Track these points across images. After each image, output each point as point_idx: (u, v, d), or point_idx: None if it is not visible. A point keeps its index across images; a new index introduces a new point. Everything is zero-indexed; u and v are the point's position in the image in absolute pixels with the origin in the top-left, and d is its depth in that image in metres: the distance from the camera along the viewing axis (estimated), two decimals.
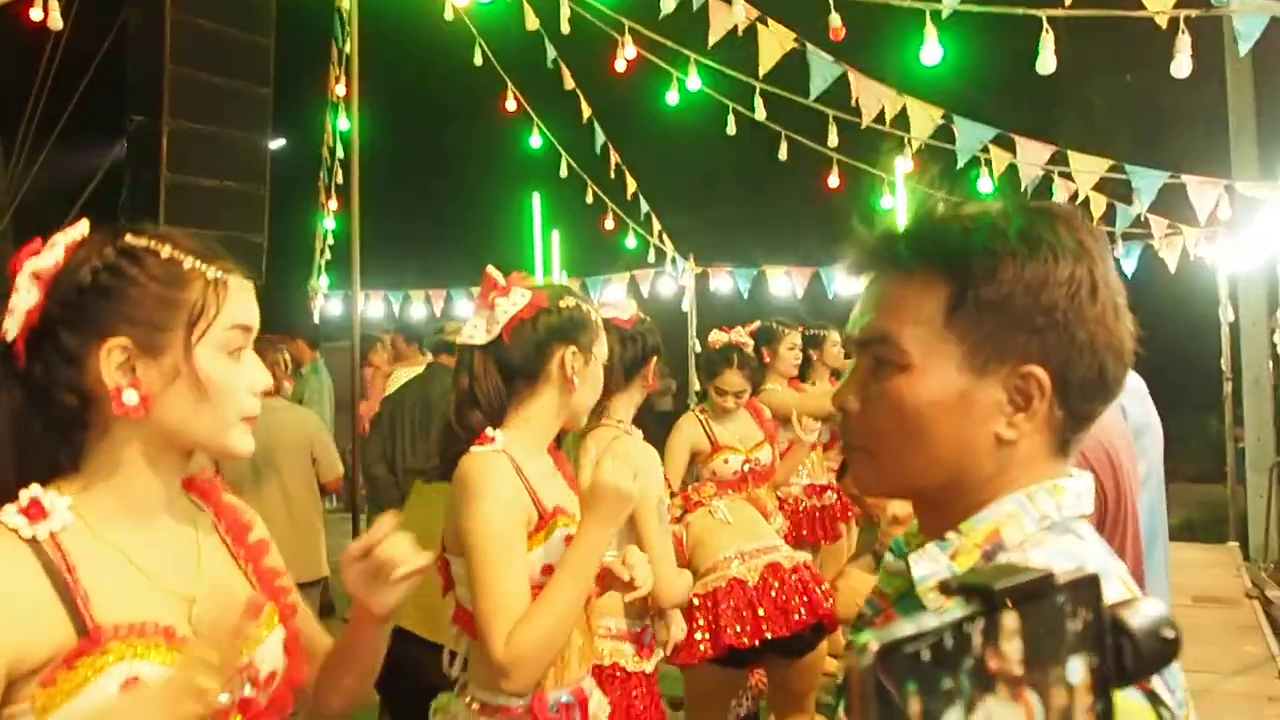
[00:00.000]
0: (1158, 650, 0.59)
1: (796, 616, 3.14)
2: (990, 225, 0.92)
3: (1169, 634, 0.60)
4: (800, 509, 5.03)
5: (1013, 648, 0.53)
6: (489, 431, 1.91)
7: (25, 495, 1.12)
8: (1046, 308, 0.89)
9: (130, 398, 1.13)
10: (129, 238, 1.19)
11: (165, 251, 1.18)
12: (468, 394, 1.95)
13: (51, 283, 1.14)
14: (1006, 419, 0.91)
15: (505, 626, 1.74)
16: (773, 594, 3.16)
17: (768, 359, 4.91)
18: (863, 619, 1.05)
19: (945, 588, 0.55)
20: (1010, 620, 0.52)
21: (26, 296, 1.12)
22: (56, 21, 5.03)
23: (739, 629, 3.10)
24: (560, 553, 1.88)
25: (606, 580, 1.98)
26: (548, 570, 1.87)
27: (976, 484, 0.93)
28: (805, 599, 3.17)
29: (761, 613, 3.12)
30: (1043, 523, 0.90)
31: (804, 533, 5.02)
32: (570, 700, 1.93)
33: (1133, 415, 2.87)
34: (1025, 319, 0.89)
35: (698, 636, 3.15)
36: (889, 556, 1.04)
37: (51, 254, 1.15)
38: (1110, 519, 1.70)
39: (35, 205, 11.85)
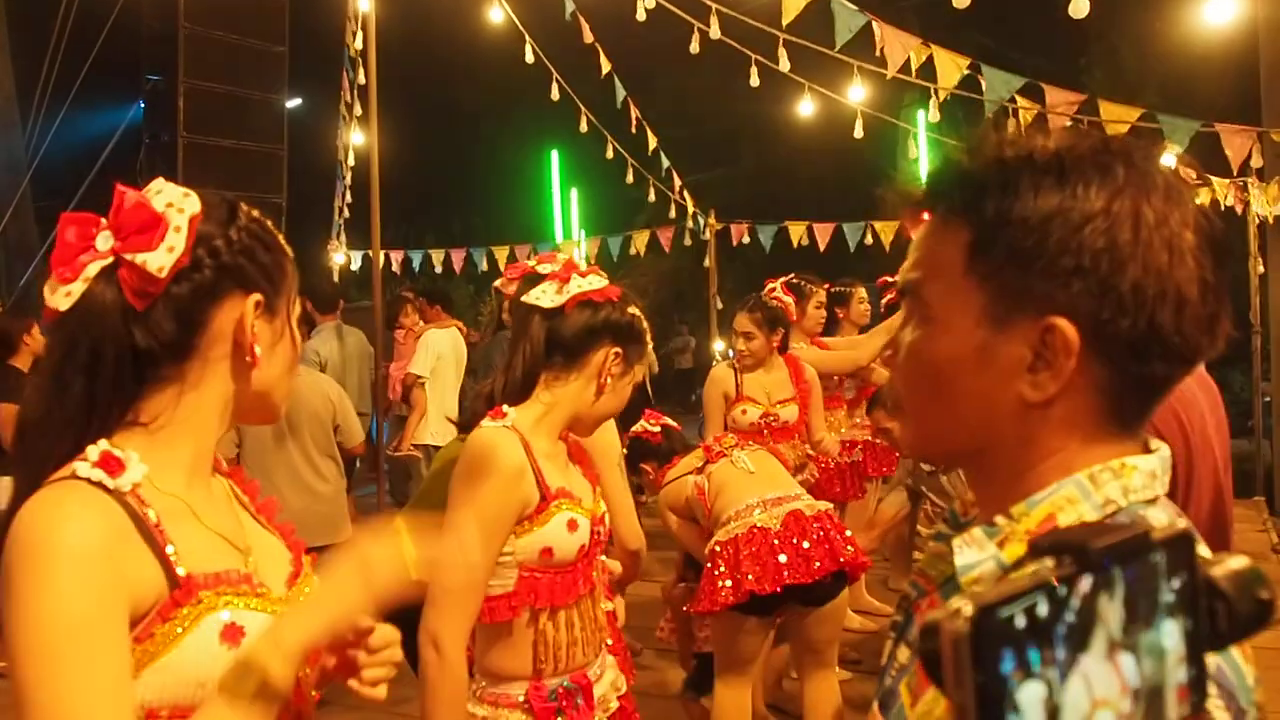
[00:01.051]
0: (1253, 613, 0.56)
1: (818, 564, 3.13)
2: (1015, 156, 0.82)
3: (1265, 595, 0.57)
4: (830, 464, 5.03)
5: (1108, 609, 0.50)
6: (504, 407, 1.91)
7: (94, 450, 1.09)
8: (1073, 248, 0.77)
9: (259, 351, 1.18)
10: (244, 206, 1.23)
11: (269, 222, 1.25)
12: (520, 354, 1.95)
13: (199, 228, 1.15)
14: (1031, 378, 0.80)
15: (451, 600, 1.75)
16: (794, 541, 3.16)
17: (794, 316, 4.88)
18: (906, 600, 0.98)
19: (1036, 548, 0.52)
20: (1106, 581, 0.50)
21: (180, 238, 1.13)
22: None
23: (759, 575, 3.10)
24: (562, 537, 1.87)
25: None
26: (547, 553, 1.86)
27: (1012, 452, 0.83)
28: (827, 547, 3.16)
29: (783, 559, 3.10)
30: (1106, 509, 0.79)
31: (835, 488, 5.04)
32: (571, 686, 1.91)
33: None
34: (1049, 262, 0.78)
35: (720, 584, 3.16)
36: (940, 532, 0.96)
37: (192, 201, 1.16)
38: (1182, 486, 1.61)
39: (54, 166, 11.87)
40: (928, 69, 5.93)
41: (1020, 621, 0.46)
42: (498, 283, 2.98)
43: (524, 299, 1.98)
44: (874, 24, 5.53)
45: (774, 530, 3.17)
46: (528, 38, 7.36)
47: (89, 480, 1.07)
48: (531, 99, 9.24)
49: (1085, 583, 0.49)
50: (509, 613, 1.84)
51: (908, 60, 5.85)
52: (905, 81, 6.17)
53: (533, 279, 2.00)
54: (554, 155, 12.55)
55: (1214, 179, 7.50)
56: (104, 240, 1.13)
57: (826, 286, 5.24)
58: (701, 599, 3.21)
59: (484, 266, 10.94)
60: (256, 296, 1.18)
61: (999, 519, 0.82)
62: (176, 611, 1.08)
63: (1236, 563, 0.57)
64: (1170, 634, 0.53)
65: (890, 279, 5.26)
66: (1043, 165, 0.80)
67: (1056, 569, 0.49)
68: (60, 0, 10.06)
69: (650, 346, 2.12)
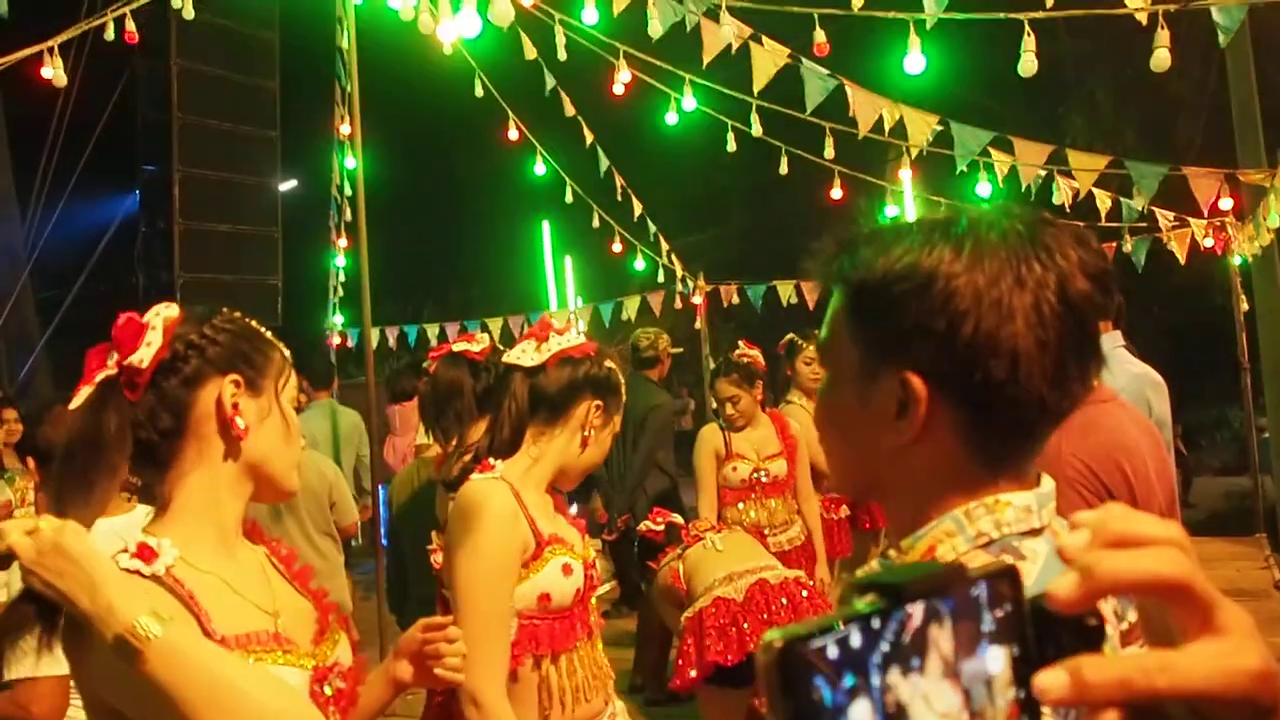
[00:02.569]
0: (1080, 637, 0.61)
1: None
2: (876, 228, 0.93)
3: (1092, 621, 0.63)
4: (832, 519, 5.07)
5: (939, 636, 0.55)
6: (491, 460, 1.96)
7: (132, 541, 1.27)
8: (915, 310, 0.87)
9: (240, 423, 1.33)
10: (225, 310, 1.42)
11: (252, 322, 1.43)
12: (506, 411, 2.02)
13: (175, 329, 1.33)
14: (896, 425, 0.90)
15: (487, 655, 1.79)
16: (758, 610, 3.19)
17: (789, 372, 4.97)
18: None
19: (858, 586, 0.57)
20: (917, 613, 0.55)
21: (156, 335, 1.31)
22: (61, 78, 5.14)
23: (724, 647, 3.12)
24: (557, 582, 1.91)
25: None
26: (545, 599, 1.90)
27: (899, 489, 0.93)
28: (793, 615, 3.18)
29: (746, 626, 3.14)
30: (978, 540, 0.88)
31: (864, 522, 5.12)
32: None
33: (1157, 411, 2.86)
34: (898, 322, 0.88)
35: (688, 658, 3.19)
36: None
37: (171, 309, 1.36)
38: None
39: (53, 257, 12.06)
40: (900, 126, 6.06)
41: (832, 652, 0.51)
42: (425, 362, 3.08)
43: (505, 359, 2.07)
44: (845, 86, 5.67)
45: (737, 601, 3.21)
46: (511, 114, 7.54)
47: (128, 570, 1.24)
48: (520, 171, 9.41)
49: (917, 613, 0.55)
50: (512, 662, 1.88)
51: (880, 118, 5.99)
52: (886, 140, 6.30)
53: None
54: (545, 225, 12.71)
55: (1191, 220, 7.62)
56: (111, 358, 1.33)
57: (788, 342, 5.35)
58: (675, 675, 3.26)
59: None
60: (234, 376, 1.35)
61: (892, 551, 0.93)
62: None
63: None
64: (995, 659, 0.58)
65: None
66: (893, 236, 0.91)
67: (871, 603, 0.54)
68: (57, 94, 10.31)
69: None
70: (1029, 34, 3.88)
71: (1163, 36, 3.58)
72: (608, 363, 2.07)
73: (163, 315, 1.34)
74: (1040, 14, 3.79)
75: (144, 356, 1.30)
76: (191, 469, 1.33)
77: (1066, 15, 3.77)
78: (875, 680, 0.53)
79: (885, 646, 0.54)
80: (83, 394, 1.32)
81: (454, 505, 1.94)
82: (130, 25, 5.33)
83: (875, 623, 0.54)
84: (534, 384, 2.02)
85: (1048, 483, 0.94)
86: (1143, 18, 3.64)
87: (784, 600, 3.19)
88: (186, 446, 1.33)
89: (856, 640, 0.52)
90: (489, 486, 1.91)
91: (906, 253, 0.89)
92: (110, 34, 5.37)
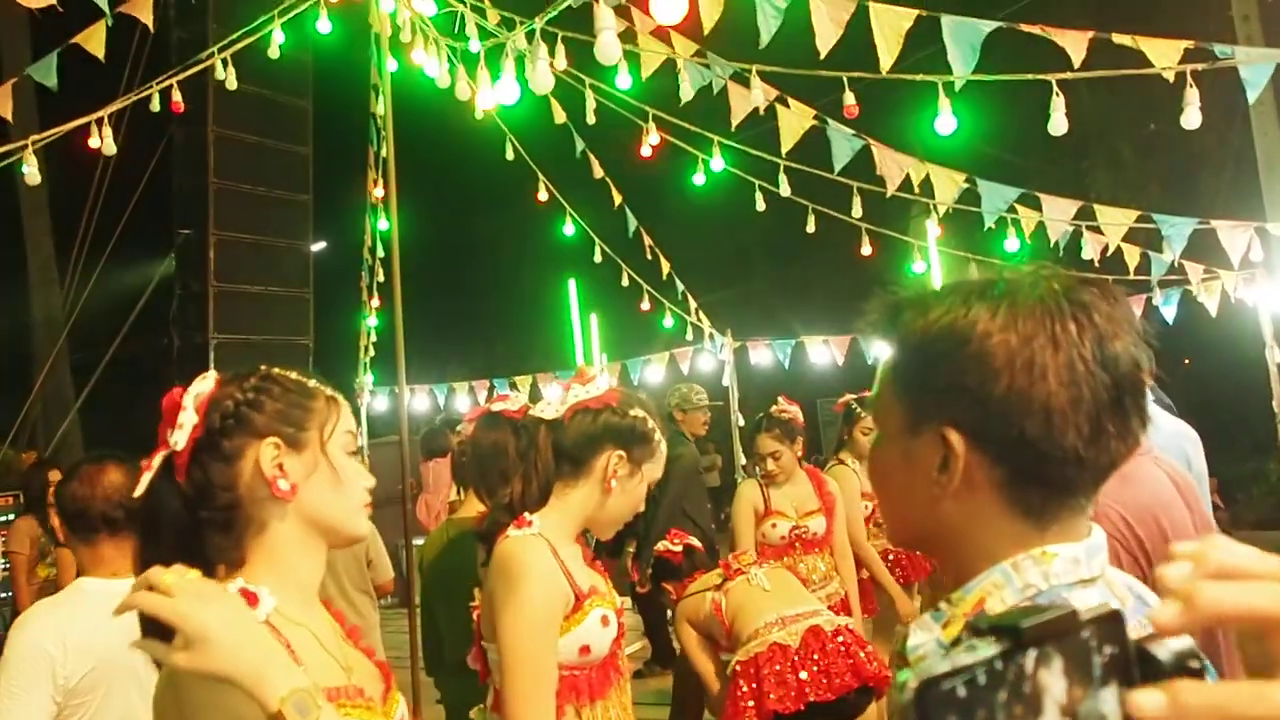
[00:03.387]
0: (1183, 678, 0.63)
1: (840, 680, 3.13)
2: (919, 291, 0.98)
3: (1194, 665, 0.65)
4: (890, 555, 5.12)
5: (1050, 680, 0.57)
6: (527, 515, 1.97)
7: (232, 586, 1.30)
8: (952, 370, 0.91)
9: (284, 485, 1.34)
10: (263, 368, 1.43)
11: (294, 375, 1.44)
12: (533, 466, 2.03)
13: (209, 403, 1.35)
14: (938, 478, 0.93)
15: (534, 712, 1.79)
16: (815, 658, 3.16)
17: (845, 436, 5.01)
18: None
19: (974, 628, 0.60)
20: (1036, 655, 0.57)
21: (189, 415, 1.33)
22: (111, 148, 5.29)
23: (782, 694, 3.09)
24: (596, 633, 1.93)
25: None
26: (585, 650, 1.91)
27: (947, 542, 0.97)
28: (850, 662, 3.16)
29: (804, 676, 3.11)
30: (1026, 592, 0.90)
31: (898, 573, 5.10)
32: None
33: (1195, 466, 2.84)
34: (936, 380, 0.93)
35: (743, 704, 3.16)
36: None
37: (205, 384, 1.37)
38: None
39: (90, 319, 12.27)
40: (928, 183, 6.13)
41: (961, 692, 0.54)
42: (460, 426, 3.09)
43: (531, 412, 2.09)
44: (871, 146, 5.75)
45: (793, 647, 3.19)
46: (541, 176, 7.67)
47: None
48: (548, 231, 9.53)
49: (1030, 657, 0.57)
50: (556, 715, 1.88)
51: (907, 176, 6.06)
52: (912, 196, 6.37)
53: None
54: (571, 284, 12.81)
55: (1221, 271, 7.61)
56: (168, 434, 1.35)
57: (845, 405, 5.40)
58: (733, 715, 3.21)
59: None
60: (272, 439, 1.35)
61: (943, 604, 0.95)
62: None
63: (1173, 640, 0.65)
64: (1108, 700, 0.60)
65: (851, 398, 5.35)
66: (935, 298, 0.96)
67: (993, 646, 0.57)
68: (97, 161, 10.58)
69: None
70: (1057, 94, 3.94)
71: (1192, 94, 3.63)
72: (632, 411, 2.04)
73: (195, 393, 1.35)
74: (1069, 74, 3.85)
75: (179, 440, 1.32)
76: (258, 531, 1.36)
77: (1094, 75, 3.83)
78: (1000, 718, 0.55)
79: (1008, 688, 0.56)
80: (145, 480, 1.34)
81: (493, 562, 1.95)
82: (176, 95, 5.50)
83: (999, 664, 0.56)
84: (555, 437, 2.03)
85: (1098, 534, 0.96)
86: (1170, 75, 3.69)
87: (841, 648, 3.17)
88: (246, 513, 1.35)
89: (983, 680, 0.55)
90: (528, 544, 1.92)
91: (945, 314, 0.94)
92: (156, 105, 5.53)
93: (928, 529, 0.99)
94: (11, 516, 7.46)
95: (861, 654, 3.20)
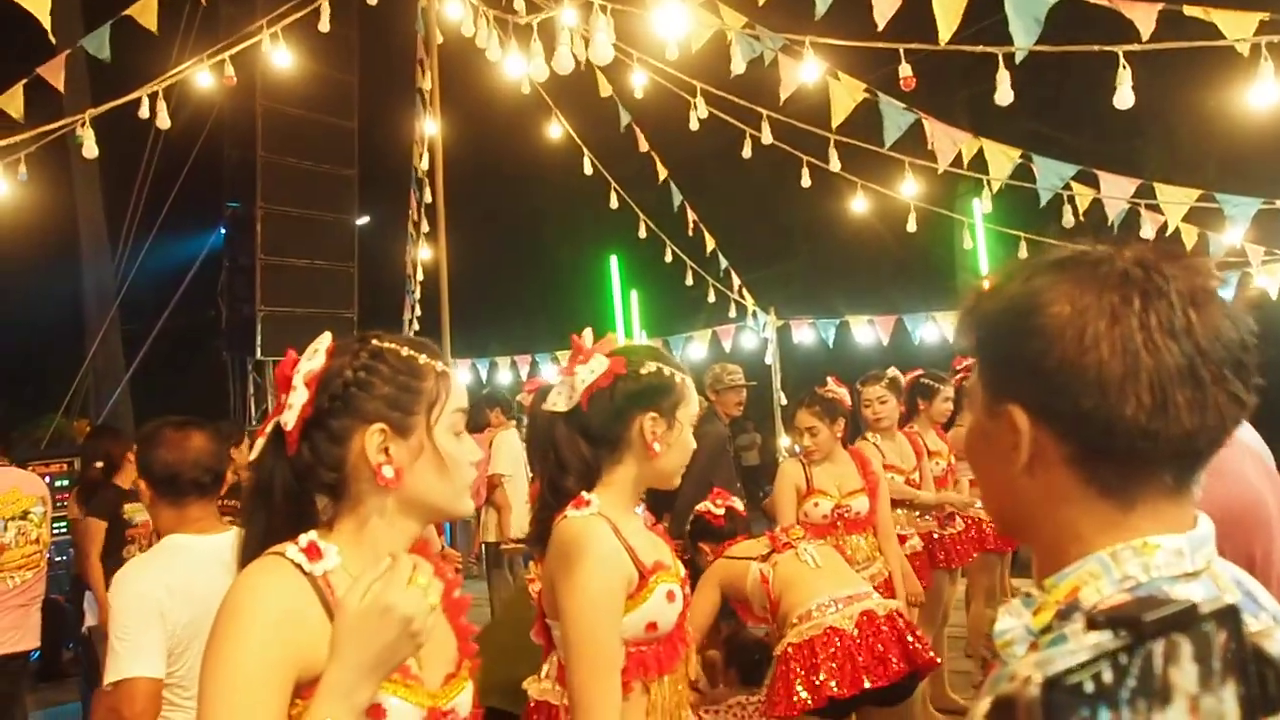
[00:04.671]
0: None
1: (894, 665, 3.11)
2: (1012, 270, 0.97)
3: None
4: (933, 537, 5.14)
5: (1178, 674, 0.55)
6: (584, 495, 1.94)
7: (305, 538, 1.32)
8: (1014, 343, 0.91)
9: (389, 472, 1.34)
10: (374, 342, 1.41)
11: (404, 351, 1.40)
12: (555, 461, 1.98)
13: (319, 381, 1.35)
14: (1013, 457, 0.93)
15: (600, 697, 1.78)
16: (871, 642, 3.13)
17: (848, 406, 4.94)
18: (984, 664, 1.07)
19: (1093, 620, 0.57)
20: (1160, 650, 0.54)
21: (299, 394, 1.34)
22: (165, 121, 5.33)
23: (839, 679, 3.07)
24: (662, 609, 1.90)
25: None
26: (651, 627, 1.89)
27: (1036, 529, 0.95)
28: (901, 647, 3.13)
29: (861, 660, 3.09)
30: (1124, 584, 0.87)
31: (941, 557, 5.12)
32: None
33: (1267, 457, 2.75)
34: (1001, 356, 0.94)
35: (796, 688, 3.13)
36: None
37: (315, 359, 1.37)
38: (1261, 578, 1.61)
39: (140, 291, 12.47)
40: (979, 160, 6.02)
41: (1088, 687, 0.51)
42: (519, 396, 3.05)
43: (543, 407, 2.01)
44: (923, 121, 5.65)
45: (849, 632, 3.16)
46: (585, 151, 7.64)
47: (292, 561, 1.30)
48: (590, 206, 9.51)
49: (1159, 651, 0.54)
50: (624, 690, 1.86)
51: (959, 153, 5.95)
52: (958, 172, 6.26)
53: (548, 389, 2.06)
54: (613, 260, 12.80)
55: None
56: (283, 400, 1.37)
57: (916, 378, 5.41)
58: (778, 702, 3.18)
59: (552, 370, 11.13)
60: (378, 426, 1.35)
61: (1034, 590, 0.93)
62: None
63: None
64: (1228, 698, 0.57)
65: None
66: (1010, 275, 0.95)
67: (1116, 640, 0.54)
68: (147, 135, 10.69)
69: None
70: (1124, 66, 3.83)
71: (1267, 68, 3.50)
72: (643, 370, 1.97)
73: (305, 370, 1.35)
74: (1137, 47, 3.74)
75: (289, 419, 1.34)
76: (355, 506, 1.37)
77: (1164, 48, 3.71)
78: (1126, 715, 0.52)
79: (1132, 682, 0.53)
80: (258, 446, 1.38)
81: (554, 540, 1.91)
82: (230, 70, 5.53)
83: (1123, 658, 0.53)
84: (579, 425, 1.97)
85: (1205, 524, 0.92)
86: (1244, 49, 3.56)
87: (893, 633, 3.15)
88: (346, 489, 1.37)
89: (1108, 676, 0.52)
90: (588, 525, 1.89)
91: (1014, 288, 0.94)
92: (210, 79, 5.56)
93: (1013, 511, 0.98)
94: (66, 483, 7.62)
95: (910, 638, 3.17)
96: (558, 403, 1.99)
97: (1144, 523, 0.90)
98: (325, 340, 1.40)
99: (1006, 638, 0.89)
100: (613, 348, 2.03)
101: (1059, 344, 0.88)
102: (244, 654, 1.22)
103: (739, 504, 3.85)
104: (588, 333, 2.07)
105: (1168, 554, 0.88)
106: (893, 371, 5.33)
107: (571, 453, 1.96)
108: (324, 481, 1.36)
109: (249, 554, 1.35)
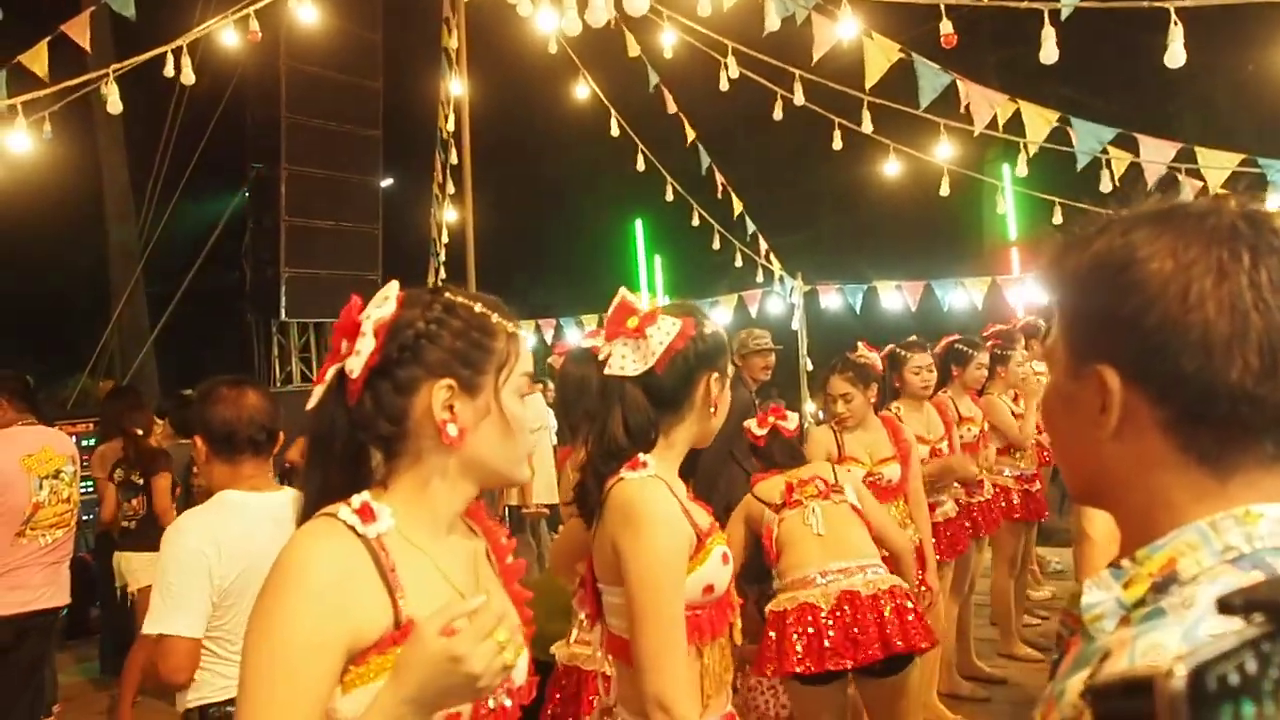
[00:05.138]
0: None
1: (866, 651, 3.08)
2: (1099, 222, 0.91)
3: None
4: (961, 504, 5.07)
5: None
6: (641, 456, 1.90)
7: (358, 498, 1.28)
8: (1107, 299, 0.86)
9: (452, 430, 1.30)
10: (447, 295, 1.37)
11: (477, 308, 1.36)
12: (621, 423, 1.93)
13: (389, 330, 1.30)
14: (1101, 420, 0.87)
15: (671, 660, 1.75)
16: (846, 623, 3.11)
17: (896, 384, 4.87)
18: (1059, 639, 1.01)
19: (1227, 605, 0.52)
20: None
21: (368, 341, 1.29)
22: (190, 77, 5.28)
23: (804, 655, 3.07)
24: (719, 571, 1.88)
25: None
26: (708, 590, 1.87)
27: (1123, 499, 0.90)
28: (882, 631, 3.10)
29: (830, 641, 3.09)
30: (1226, 555, 0.81)
31: (969, 526, 5.06)
32: None
33: None
34: (1091, 312, 0.89)
35: (768, 652, 3.16)
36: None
37: (386, 306, 1.31)
38: None
39: (164, 252, 12.50)
40: (1013, 124, 5.90)
41: (1233, 679, 0.46)
42: (549, 359, 3.00)
43: (608, 372, 1.96)
44: (958, 82, 5.53)
45: (823, 610, 3.15)
46: (613, 112, 7.54)
47: (345, 523, 1.25)
48: (616, 170, 9.43)
49: None
50: None
51: (994, 116, 5.83)
52: (988, 137, 6.14)
53: (581, 352, 2.01)
54: (638, 224, 12.74)
55: None
56: (344, 347, 1.32)
57: (950, 343, 5.31)
58: (762, 660, 3.22)
59: (575, 334, 11.10)
60: (446, 381, 1.30)
61: (1125, 562, 0.87)
62: (392, 649, 1.22)
63: None
64: None
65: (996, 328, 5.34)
66: (1101, 228, 0.89)
67: (1258, 626, 0.49)
68: (171, 95, 10.66)
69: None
70: (1176, 23, 3.71)
71: None
72: (707, 329, 1.98)
73: (375, 316, 1.30)
74: (1189, 3, 3.62)
75: (355, 366, 1.29)
76: (413, 463, 1.33)
77: (1217, 4, 3.59)
78: (1270, 709, 0.48)
79: (1275, 672, 0.48)
80: (316, 393, 1.33)
81: (614, 503, 1.87)
82: (254, 24, 5.47)
83: (1265, 646, 0.48)
84: (647, 387, 1.93)
85: None
86: None
87: (873, 615, 3.12)
88: (406, 444, 1.32)
89: (1252, 666, 0.47)
90: (647, 486, 1.85)
91: (1105, 243, 0.88)
92: (235, 36, 5.51)
93: (1097, 479, 0.92)
94: (92, 442, 7.67)
95: (898, 621, 3.12)
96: (625, 366, 1.94)
97: (1242, 492, 0.85)
98: (394, 288, 1.34)
99: (1096, 611, 0.85)
100: (661, 309, 1.99)
101: (1161, 301, 0.83)
102: (294, 622, 1.18)
103: (790, 421, 3.72)
104: (629, 295, 2.02)
105: (1272, 523, 0.82)
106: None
107: (638, 415, 1.93)
108: (383, 434, 1.31)
109: (308, 509, 1.32)
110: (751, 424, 3.70)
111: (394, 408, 1.30)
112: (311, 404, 1.33)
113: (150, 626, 2.33)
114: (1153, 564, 0.84)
